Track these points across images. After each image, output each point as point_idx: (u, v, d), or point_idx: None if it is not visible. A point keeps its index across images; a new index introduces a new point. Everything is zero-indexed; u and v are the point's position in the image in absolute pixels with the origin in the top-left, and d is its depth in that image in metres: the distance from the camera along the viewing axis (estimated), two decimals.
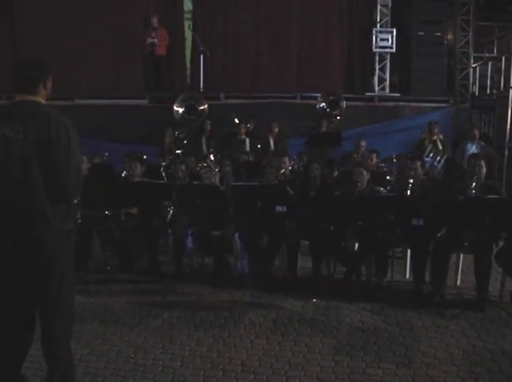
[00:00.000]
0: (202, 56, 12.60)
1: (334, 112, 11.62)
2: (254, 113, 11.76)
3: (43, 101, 3.58)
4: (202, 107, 11.27)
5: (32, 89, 3.54)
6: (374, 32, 13.15)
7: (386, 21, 13.44)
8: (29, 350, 3.68)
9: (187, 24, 13.84)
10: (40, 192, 3.41)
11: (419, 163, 6.88)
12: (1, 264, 3.60)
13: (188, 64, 13.77)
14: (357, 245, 6.54)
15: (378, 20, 13.43)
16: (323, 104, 11.67)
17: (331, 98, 11.67)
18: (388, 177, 8.72)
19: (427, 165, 9.88)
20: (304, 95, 12.38)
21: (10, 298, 3.55)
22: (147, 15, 13.20)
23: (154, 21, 12.91)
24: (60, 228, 3.51)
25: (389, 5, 13.41)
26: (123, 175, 7.91)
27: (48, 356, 3.63)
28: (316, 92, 12.20)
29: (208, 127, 11.28)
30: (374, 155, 9.05)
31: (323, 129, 11.10)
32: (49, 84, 3.64)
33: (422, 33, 13.02)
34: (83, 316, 5.53)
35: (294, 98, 12.74)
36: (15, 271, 3.52)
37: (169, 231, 7.00)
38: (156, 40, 12.80)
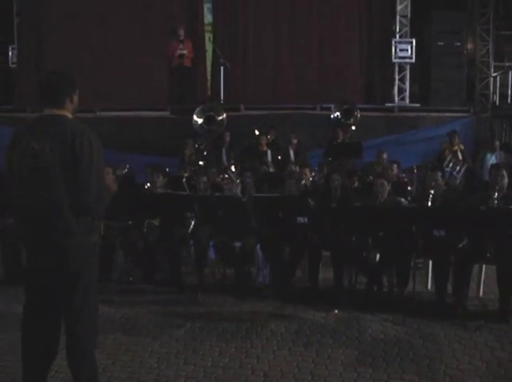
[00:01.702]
0: (222, 68, 12.68)
1: (348, 121, 11.50)
2: (275, 124, 11.78)
3: (69, 115, 3.65)
4: (221, 118, 11.33)
5: (59, 103, 3.62)
6: (393, 42, 13.17)
7: (406, 32, 13.46)
8: (55, 360, 3.73)
9: (207, 36, 13.97)
10: (64, 205, 3.48)
11: (439, 174, 6.87)
12: (28, 274, 3.68)
13: (209, 76, 13.88)
14: (378, 256, 6.53)
15: (398, 30, 13.45)
16: (337, 114, 11.59)
17: (344, 107, 11.59)
18: (409, 188, 8.70)
19: (447, 175, 9.83)
20: (324, 105, 12.38)
21: (37, 307, 3.63)
22: (172, 27, 13.35)
23: (181, 33, 13.06)
24: (85, 240, 3.58)
25: (409, 15, 13.44)
26: (146, 186, 7.97)
27: (73, 366, 3.68)
28: None
29: (228, 139, 11.33)
30: (395, 166, 9.04)
31: (340, 139, 11.07)
32: (76, 98, 3.70)
33: (442, 43, 13.02)
34: (106, 326, 5.55)
35: (314, 109, 12.76)
36: (41, 281, 3.59)
37: (191, 242, 7.04)
38: (185, 51, 12.94)
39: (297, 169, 8.77)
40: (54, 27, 13.75)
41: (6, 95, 14.04)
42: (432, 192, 6.50)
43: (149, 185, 7.81)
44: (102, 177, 3.70)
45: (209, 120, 11.16)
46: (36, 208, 3.51)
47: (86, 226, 3.57)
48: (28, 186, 3.52)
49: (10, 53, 14.17)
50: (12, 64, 14.21)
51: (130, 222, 7.23)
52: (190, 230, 6.95)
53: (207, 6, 14.37)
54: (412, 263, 6.39)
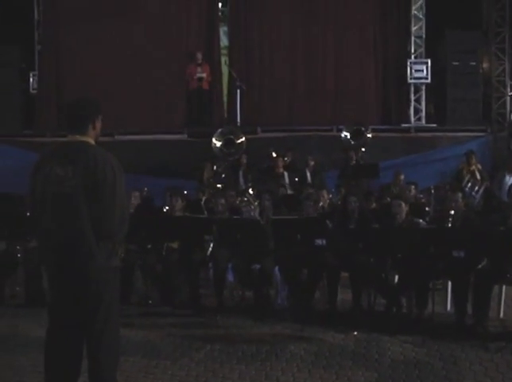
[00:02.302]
0: (239, 90, 12.79)
1: (357, 143, 11.41)
2: (292, 146, 11.83)
3: (92, 141, 3.71)
4: (240, 141, 11.37)
5: (82, 129, 3.69)
6: (408, 63, 13.23)
7: (421, 52, 13.53)
8: None
9: (223, 59, 14.11)
10: (86, 230, 3.52)
11: (460, 195, 6.87)
12: (51, 298, 3.73)
13: (225, 99, 14.00)
14: (397, 277, 6.52)
15: (413, 51, 13.52)
16: (347, 134, 11.49)
17: (354, 128, 11.50)
18: (427, 209, 8.68)
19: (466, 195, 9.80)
20: (340, 127, 12.39)
21: (60, 330, 3.66)
22: (189, 51, 13.53)
23: (199, 56, 13.23)
24: (106, 264, 3.61)
25: (423, 36, 13.52)
26: (164, 209, 8.04)
27: None
28: None
29: (244, 161, 11.38)
30: (413, 187, 9.05)
31: (353, 161, 11.07)
32: (98, 125, 3.77)
33: (457, 63, 13.04)
34: (125, 349, 5.52)
35: (330, 130, 12.81)
36: (64, 305, 3.63)
37: (210, 264, 7.07)
38: (204, 74, 13.09)
39: (315, 191, 8.79)
40: (74, 54, 14.02)
41: (27, 120, 14.27)
42: (453, 212, 6.49)
43: (167, 208, 7.88)
44: (125, 202, 3.75)
45: (228, 143, 11.23)
46: (59, 233, 3.56)
47: (107, 250, 3.62)
48: (51, 211, 3.57)
49: (31, 80, 14.43)
50: (33, 90, 14.46)
51: (149, 245, 7.29)
52: (209, 252, 6.99)
53: (223, 30, 14.55)
54: (431, 285, 6.38)
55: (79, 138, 3.68)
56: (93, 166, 3.52)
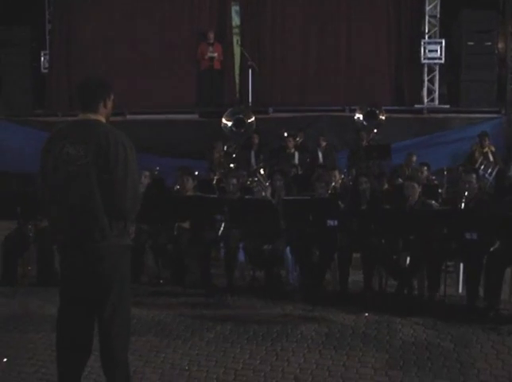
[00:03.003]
0: (250, 70, 12.71)
1: (371, 124, 11.40)
2: (303, 126, 11.78)
3: (103, 120, 3.70)
4: (250, 121, 11.34)
5: (93, 108, 3.67)
6: (422, 43, 13.07)
7: (435, 32, 13.34)
8: (88, 359, 3.78)
9: (235, 39, 14.01)
10: (98, 209, 3.52)
11: (474, 176, 6.80)
12: (63, 276, 3.74)
13: (237, 79, 13.92)
14: (409, 259, 6.49)
15: (427, 31, 13.33)
16: (360, 116, 11.48)
17: (367, 109, 11.47)
18: (439, 190, 8.62)
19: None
20: (353, 107, 12.30)
21: (71, 309, 3.68)
22: (201, 31, 13.45)
23: (211, 36, 13.16)
24: (118, 242, 3.62)
25: (438, 15, 13.31)
26: (175, 189, 8.04)
27: (107, 367, 3.72)
28: None
29: (256, 141, 11.34)
30: (425, 168, 8.99)
31: (364, 142, 11.02)
32: (110, 103, 3.74)
33: (472, 43, 12.86)
34: (136, 328, 5.59)
35: (343, 111, 12.73)
36: (76, 284, 3.64)
37: (221, 244, 7.08)
38: (215, 54, 13.03)
39: (326, 171, 8.75)
40: (84, 33, 13.98)
41: (38, 99, 14.27)
42: (466, 193, 6.44)
43: (178, 187, 7.87)
44: (137, 181, 3.74)
45: (238, 123, 11.19)
46: (71, 212, 3.56)
47: (119, 229, 3.62)
48: (63, 190, 3.57)
49: (42, 59, 14.40)
50: (44, 69, 14.44)
51: (160, 225, 7.29)
52: (220, 232, 6.99)
53: (234, 9, 14.40)
54: (443, 266, 6.35)
55: (90, 116, 3.66)
56: (105, 145, 3.51)
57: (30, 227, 7.19)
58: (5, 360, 5.02)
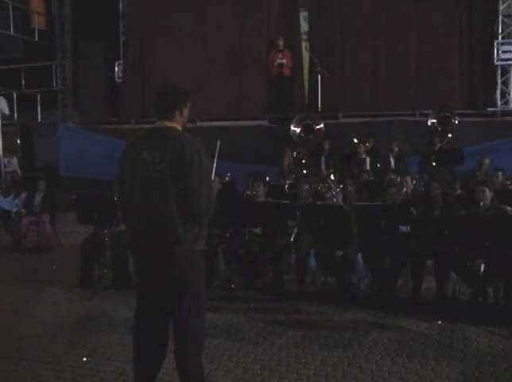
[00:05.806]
0: (320, 76, 12.71)
1: (445, 129, 11.17)
2: (373, 132, 11.67)
3: (179, 127, 3.79)
4: (318, 127, 11.34)
5: (169, 115, 3.76)
6: (495, 44, 12.75)
7: (509, 33, 12.99)
8: (164, 361, 3.87)
9: (304, 45, 14.04)
10: (173, 214, 3.59)
11: None
12: (139, 281, 3.85)
13: (306, 85, 13.94)
14: (483, 266, 6.32)
15: (500, 31, 12.99)
16: (434, 121, 11.28)
17: (441, 114, 11.27)
18: None
19: None
20: (425, 112, 12.11)
21: (148, 312, 3.79)
22: (270, 38, 13.56)
23: (280, 43, 13.28)
24: (192, 247, 3.69)
25: None
26: (246, 195, 8.11)
27: (181, 369, 3.79)
28: None
29: (327, 147, 11.34)
30: (500, 173, 8.75)
31: (437, 147, 10.82)
32: (186, 111, 3.83)
33: None
34: (209, 332, 5.62)
35: (413, 115, 12.55)
36: (151, 288, 3.75)
37: (293, 250, 7.09)
38: (285, 60, 13.11)
39: (398, 177, 8.65)
40: (156, 43, 14.37)
41: (112, 108, 14.72)
42: None
43: (249, 193, 7.94)
44: (211, 186, 3.81)
45: (307, 129, 11.20)
46: (147, 216, 3.66)
47: (193, 234, 3.68)
48: (139, 195, 3.67)
49: (116, 69, 14.88)
50: (118, 78, 14.90)
51: (231, 230, 7.37)
52: (292, 238, 7.01)
53: (303, 15, 14.46)
54: None
55: (166, 124, 3.75)
56: (180, 151, 3.58)
57: (106, 232, 7.41)
58: (84, 359, 5.20)
